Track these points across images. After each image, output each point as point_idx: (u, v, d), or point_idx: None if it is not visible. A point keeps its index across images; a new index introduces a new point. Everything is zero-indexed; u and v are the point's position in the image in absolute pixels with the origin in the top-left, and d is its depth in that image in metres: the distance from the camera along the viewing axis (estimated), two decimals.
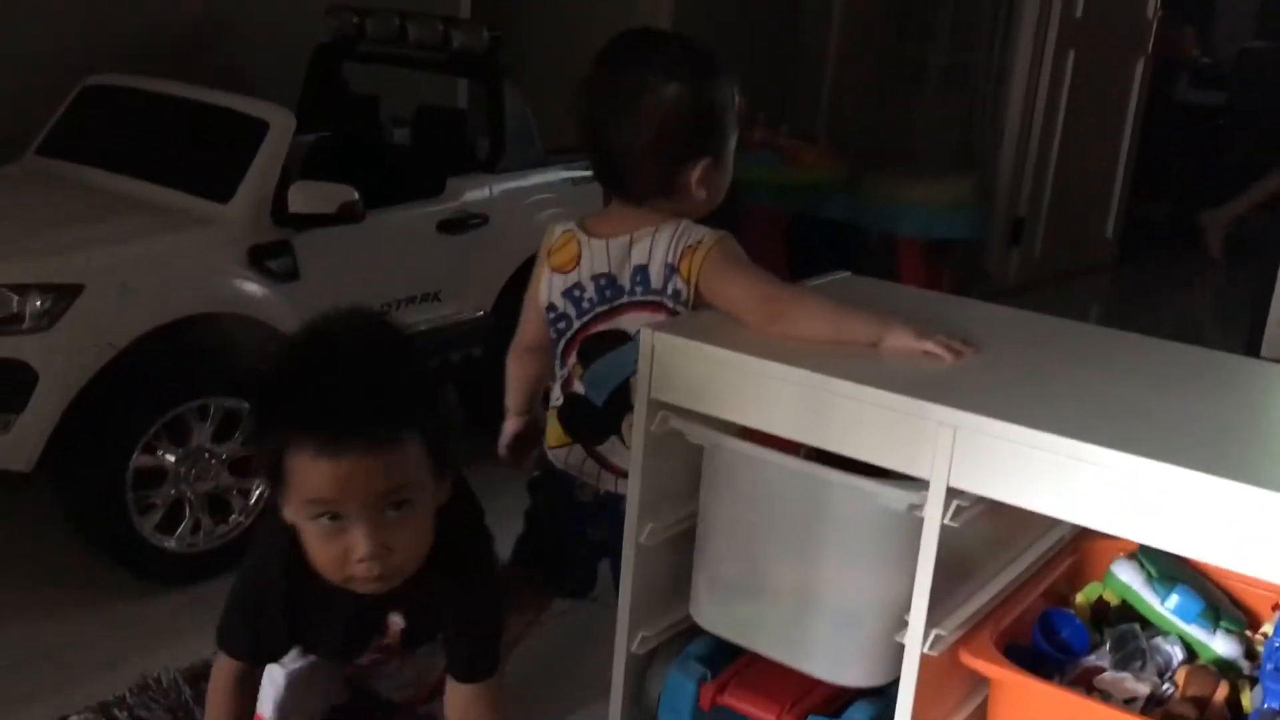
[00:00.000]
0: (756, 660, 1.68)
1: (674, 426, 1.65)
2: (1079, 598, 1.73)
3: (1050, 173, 5.26)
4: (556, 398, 1.79)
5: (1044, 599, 1.68)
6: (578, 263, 1.72)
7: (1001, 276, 5.30)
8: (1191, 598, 1.63)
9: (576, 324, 1.73)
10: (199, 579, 2.46)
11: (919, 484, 1.45)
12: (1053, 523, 1.71)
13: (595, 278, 1.70)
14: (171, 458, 2.39)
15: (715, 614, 1.71)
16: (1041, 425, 1.35)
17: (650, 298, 1.68)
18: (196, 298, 2.44)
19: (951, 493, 1.41)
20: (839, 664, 1.60)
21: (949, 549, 1.44)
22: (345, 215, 2.57)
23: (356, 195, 2.57)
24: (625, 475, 1.66)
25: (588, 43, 4.59)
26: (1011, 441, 1.36)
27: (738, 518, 1.67)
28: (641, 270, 1.68)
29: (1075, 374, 1.61)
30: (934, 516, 1.42)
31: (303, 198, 2.54)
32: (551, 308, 1.74)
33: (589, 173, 3.23)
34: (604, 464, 1.77)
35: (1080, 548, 1.78)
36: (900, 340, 1.56)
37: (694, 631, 1.75)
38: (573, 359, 1.75)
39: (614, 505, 1.71)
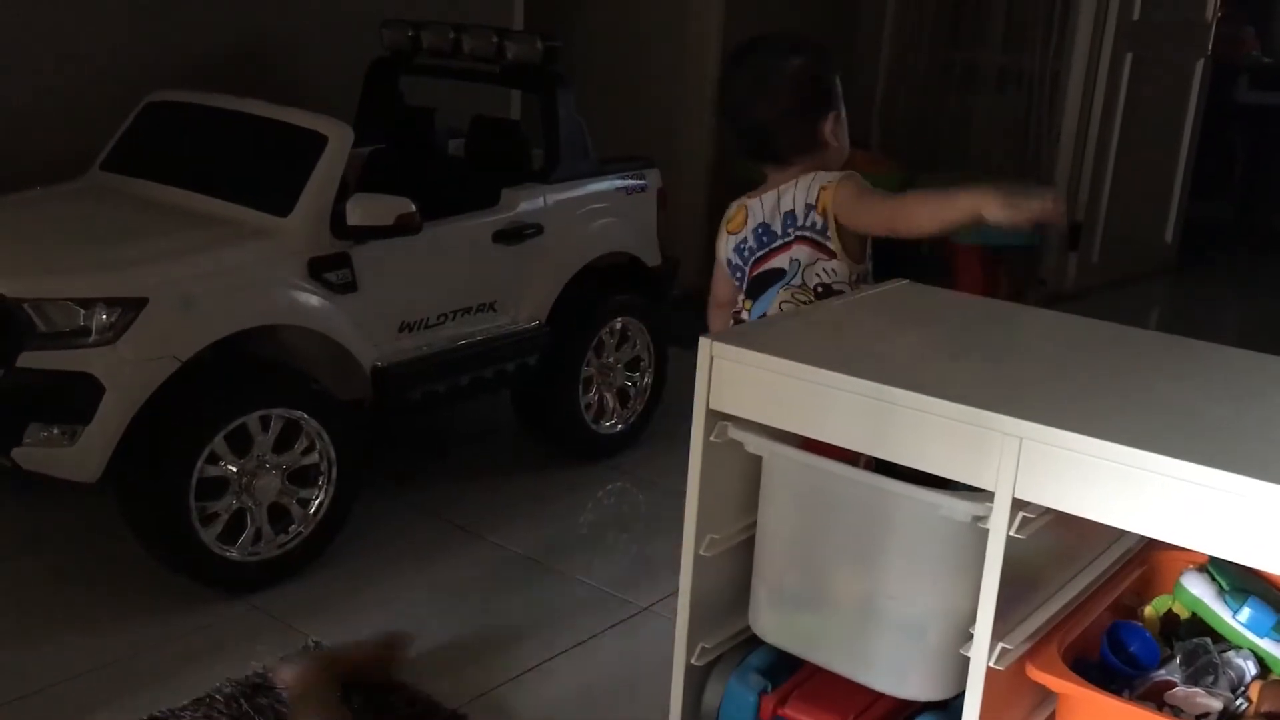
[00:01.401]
0: (817, 672, 1.67)
1: (733, 437, 1.64)
2: (1148, 610, 1.69)
3: (1108, 177, 5.18)
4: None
5: (1112, 612, 1.65)
6: (745, 223, 2.08)
7: (1059, 282, 5.23)
8: (1265, 611, 1.60)
9: (746, 270, 2.07)
10: (260, 588, 2.49)
11: (983, 495, 1.43)
12: (1120, 533, 1.69)
13: (755, 230, 2.06)
14: (234, 468, 2.42)
15: (775, 625, 1.70)
16: (1109, 435, 1.33)
17: (798, 234, 2.00)
18: (257, 310, 2.47)
19: (1017, 504, 1.39)
20: (902, 677, 1.58)
21: (1014, 561, 1.42)
22: (403, 227, 2.59)
23: (414, 207, 2.59)
24: None
25: (638, 55, 4.70)
26: (1078, 452, 1.34)
27: (798, 528, 1.66)
28: (789, 214, 2.01)
29: (1141, 382, 1.58)
30: (999, 528, 1.40)
31: (361, 210, 2.56)
32: (729, 263, 2.11)
33: (641, 181, 3.26)
34: None
35: (1149, 559, 1.75)
36: (994, 213, 1.74)
37: (753, 643, 1.74)
38: (743, 298, 2.09)
39: None
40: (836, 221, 1.97)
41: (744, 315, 2.08)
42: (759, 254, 2.04)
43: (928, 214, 1.88)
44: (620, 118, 4.53)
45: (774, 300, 2.01)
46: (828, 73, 2.07)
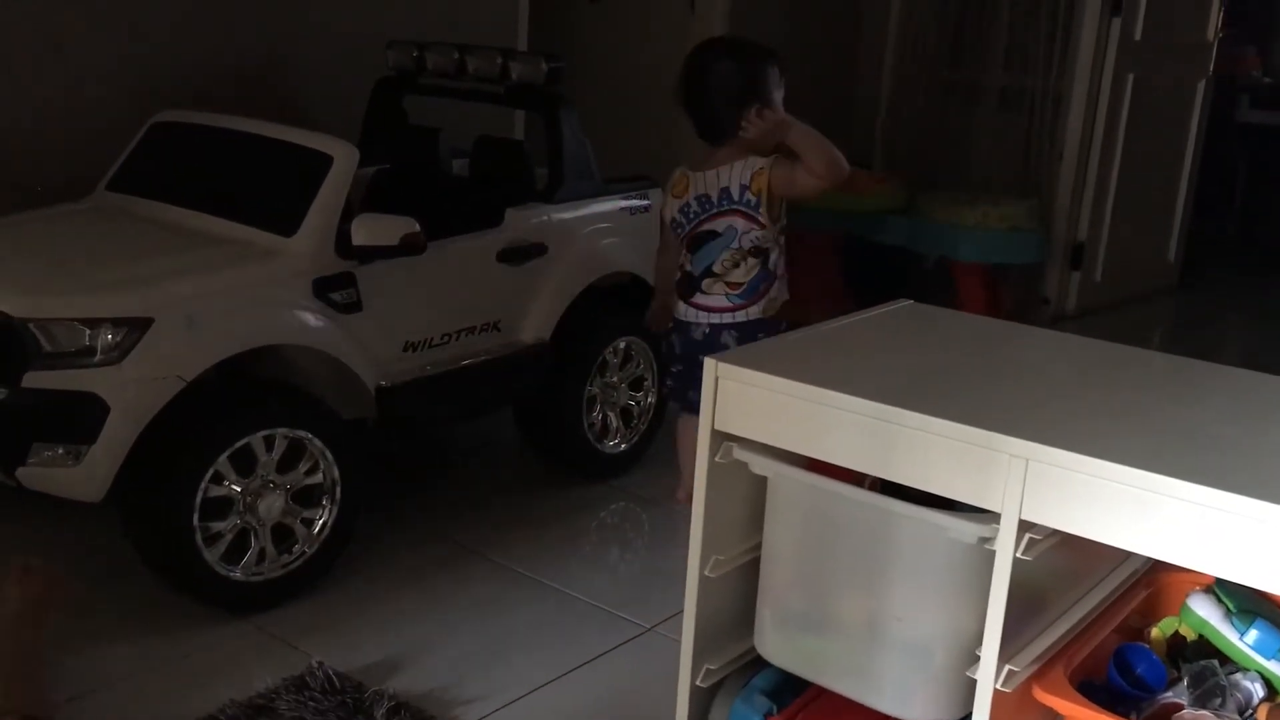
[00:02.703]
0: (823, 694, 1.67)
1: (738, 457, 1.64)
2: (1154, 632, 1.69)
3: (1110, 196, 5.19)
4: (677, 276, 2.79)
5: (1118, 634, 1.65)
6: (687, 190, 2.70)
7: (1061, 301, 5.24)
8: (1272, 633, 1.59)
9: (687, 228, 2.71)
10: (263, 608, 2.49)
11: (989, 516, 1.43)
12: (1125, 555, 1.69)
13: (696, 197, 2.68)
14: (238, 488, 2.42)
15: (780, 646, 1.70)
16: (1116, 457, 1.33)
17: (732, 207, 2.66)
18: (262, 330, 2.48)
19: (1024, 525, 1.39)
20: (908, 699, 1.58)
21: (1021, 583, 1.42)
22: (407, 247, 2.59)
23: (418, 227, 2.59)
24: (708, 310, 2.73)
25: (642, 76, 4.76)
26: (1085, 474, 1.34)
27: (803, 549, 1.66)
28: (725, 191, 2.66)
29: (1147, 403, 1.59)
30: (1006, 550, 1.40)
31: (366, 230, 2.56)
32: (674, 221, 2.75)
33: (645, 202, 3.29)
34: (699, 307, 2.75)
35: (1155, 580, 1.74)
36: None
37: (758, 664, 1.74)
38: (684, 250, 2.74)
39: (690, 329, 2.77)
40: (767, 196, 2.62)
41: (687, 266, 2.73)
42: (700, 217, 2.68)
43: (821, 150, 2.59)
44: (623, 138, 4.54)
45: (717, 257, 2.68)
46: (757, 72, 2.65)
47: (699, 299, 2.72)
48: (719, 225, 2.66)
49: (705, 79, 2.68)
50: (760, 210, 2.62)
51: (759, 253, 2.66)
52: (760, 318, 2.71)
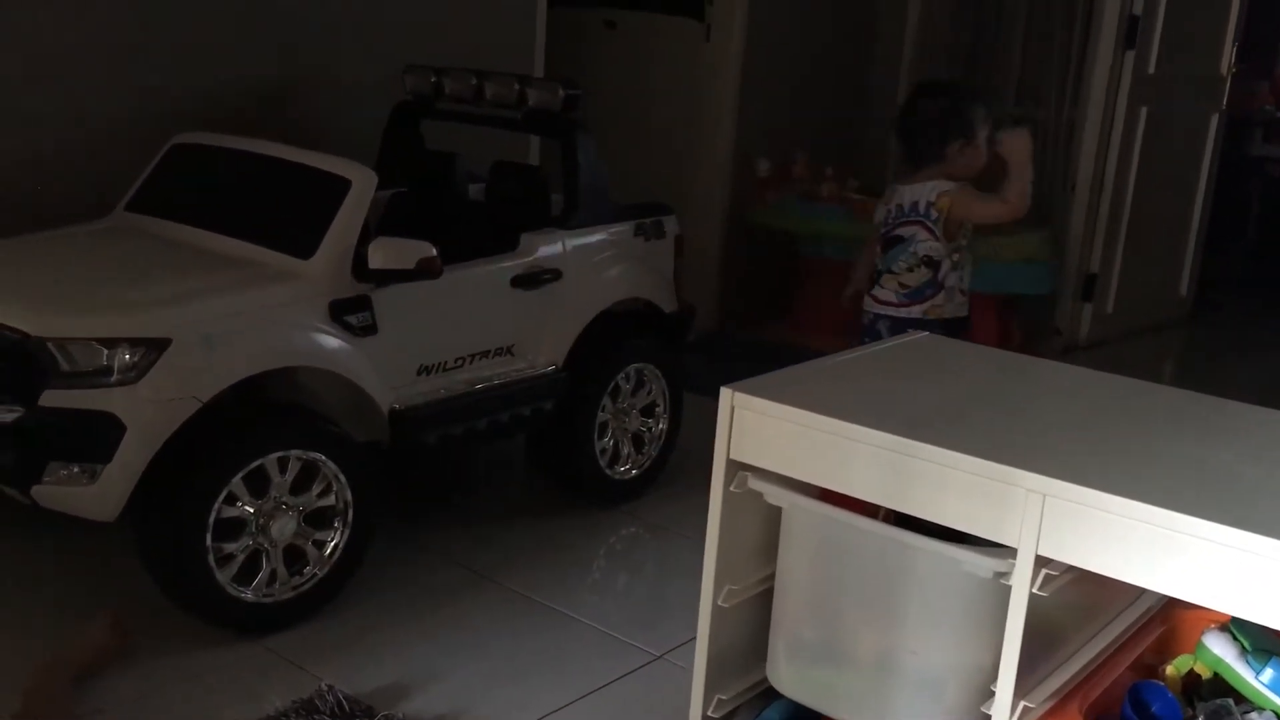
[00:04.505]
0: None
1: (753, 487, 1.64)
2: (1169, 670, 1.68)
3: (1123, 228, 5.19)
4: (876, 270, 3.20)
5: (1133, 671, 1.64)
6: (892, 199, 3.13)
7: (1073, 333, 5.23)
8: None
9: (883, 231, 3.14)
10: (274, 629, 2.49)
11: (1005, 551, 1.43)
12: (1141, 591, 1.68)
13: (896, 205, 3.10)
14: (251, 509, 2.43)
15: (793, 678, 1.69)
16: (1133, 494, 1.33)
17: (916, 218, 3.05)
18: (279, 352, 2.48)
19: (1040, 561, 1.39)
20: None
21: (1036, 618, 1.42)
22: (423, 271, 2.60)
23: (435, 251, 2.60)
24: (879, 302, 3.14)
25: (657, 103, 4.81)
26: (1103, 510, 1.34)
27: (817, 580, 1.66)
28: (915, 204, 3.06)
29: (1163, 439, 1.58)
30: (1022, 585, 1.40)
31: (382, 254, 2.58)
32: (879, 223, 3.17)
33: (659, 227, 3.30)
34: (873, 298, 3.17)
35: (1170, 618, 1.74)
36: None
37: (771, 695, 1.74)
38: (879, 249, 3.16)
39: (864, 315, 3.22)
40: (947, 218, 3.01)
41: (877, 263, 3.16)
42: (895, 222, 3.09)
43: (1017, 195, 3.00)
44: (638, 165, 4.56)
45: (897, 259, 3.07)
46: (964, 112, 3.08)
47: (876, 291, 3.16)
48: (905, 232, 3.07)
49: (914, 114, 3.14)
50: (938, 226, 3.00)
51: (931, 263, 3.04)
52: (918, 317, 3.06)
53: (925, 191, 3.03)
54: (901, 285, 3.08)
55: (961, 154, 3.06)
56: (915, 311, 3.06)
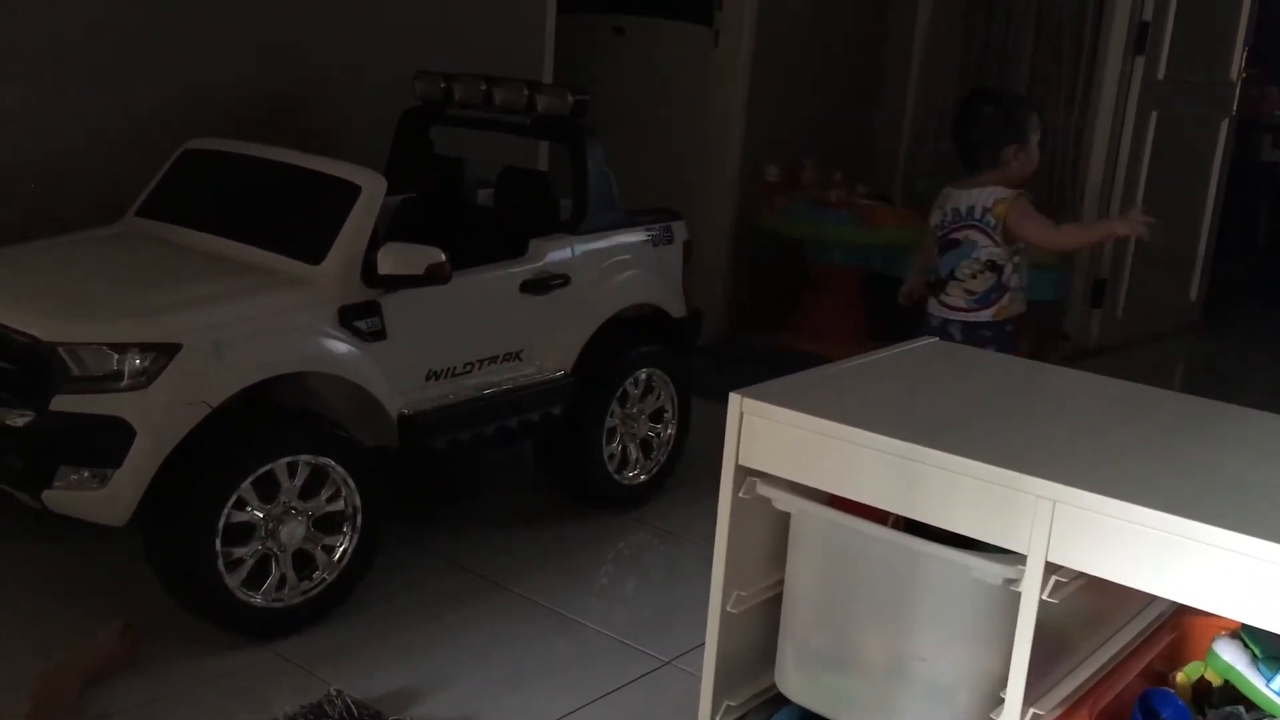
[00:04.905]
0: None
1: (761, 493, 1.64)
2: (1180, 677, 1.68)
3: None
4: (931, 277, 3.29)
5: (1143, 678, 1.63)
6: (946, 203, 3.19)
7: (1083, 338, 5.22)
8: None
9: (939, 234, 3.20)
10: (283, 634, 2.49)
11: (1014, 557, 1.43)
12: (1151, 598, 1.68)
13: (952, 209, 3.16)
14: (260, 514, 2.43)
15: (802, 684, 1.69)
16: (1144, 500, 1.33)
17: (973, 223, 3.10)
18: (288, 357, 2.49)
19: (1050, 568, 1.39)
20: None
21: (1046, 625, 1.42)
22: (433, 276, 2.60)
23: (444, 257, 2.61)
24: (949, 308, 3.19)
25: (665, 108, 4.82)
26: (1113, 517, 1.34)
27: (826, 586, 1.66)
28: (971, 209, 3.12)
29: (1173, 446, 1.58)
30: (1032, 592, 1.39)
31: (392, 259, 2.58)
32: (934, 227, 3.22)
33: (667, 233, 3.30)
34: (941, 304, 3.22)
35: (1180, 625, 1.73)
36: (1122, 230, 3.28)
37: (779, 702, 1.73)
38: (936, 253, 3.21)
39: (930, 319, 3.26)
40: (1004, 223, 3.07)
41: (935, 267, 3.21)
42: (949, 226, 3.15)
43: (1072, 240, 3.48)
44: (646, 170, 4.57)
45: (957, 263, 3.14)
46: (1018, 118, 3.17)
47: (943, 297, 3.22)
48: (961, 236, 3.14)
49: (969, 119, 3.22)
50: (996, 231, 3.08)
51: (994, 268, 3.10)
52: (989, 320, 3.14)
53: (982, 197, 3.09)
54: (968, 291, 3.14)
55: (1016, 158, 3.13)
56: (985, 315, 3.14)
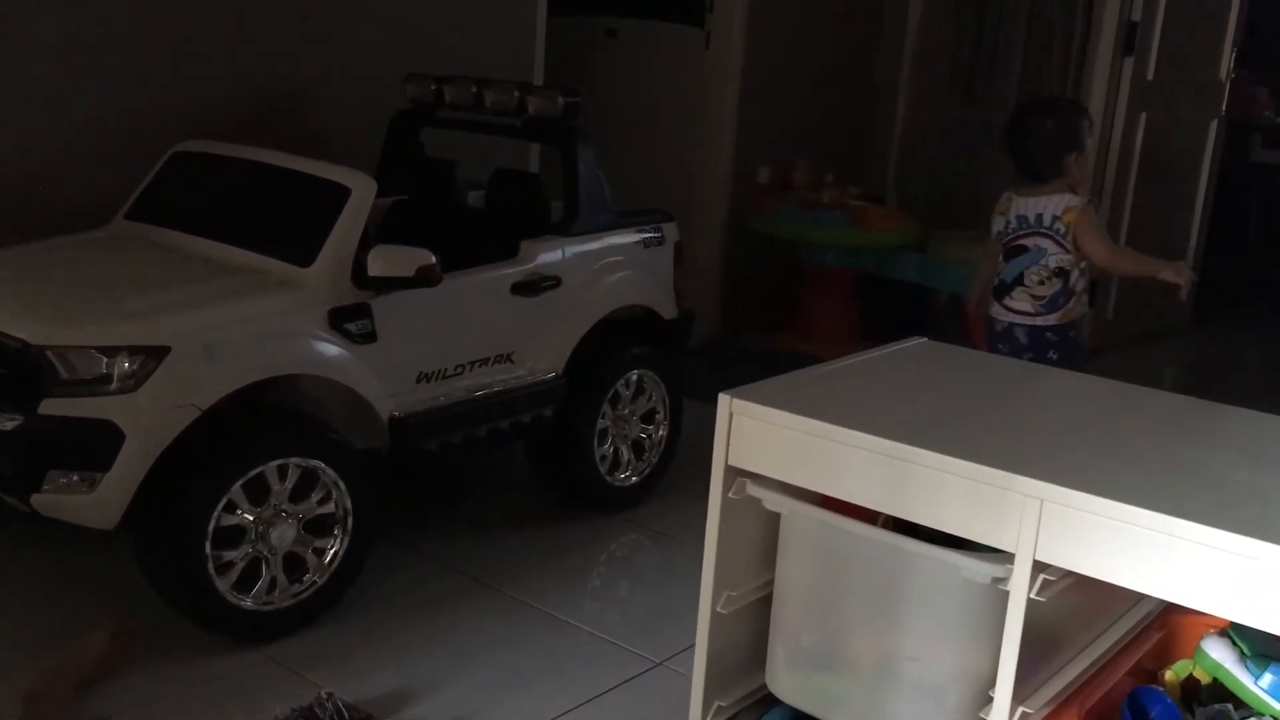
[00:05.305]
0: None
1: (751, 493, 1.64)
2: (1168, 675, 1.68)
3: (1123, 235, 5.19)
4: (994, 282, 3.28)
5: (1131, 676, 1.64)
6: (1010, 209, 3.20)
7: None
8: None
9: (1003, 241, 3.21)
10: (273, 637, 2.49)
11: (1003, 556, 1.43)
12: (1140, 597, 1.68)
13: (1017, 216, 3.18)
14: (250, 517, 2.43)
15: (792, 684, 1.69)
16: (1132, 499, 1.33)
17: (1044, 230, 3.13)
18: (279, 360, 2.49)
19: (1038, 566, 1.39)
20: None
21: (1035, 624, 1.42)
22: (423, 278, 2.60)
23: (434, 259, 2.60)
24: (1015, 313, 3.18)
25: (656, 110, 4.82)
26: (1101, 515, 1.34)
27: (816, 587, 1.66)
28: (1039, 216, 3.14)
29: (1162, 445, 1.58)
30: (1020, 591, 1.40)
31: (382, 262, 2.58)
32: (997, 234, 3.23)
33: (659, 235, 3.30)
34: (1008, 309, 3.21)
35: (1169, 623, 1.74)
36: (1166, 275, 3.11)
37: (770, 702, 1.74)
38: (1000, 259, 3.23)
39: (995, 324, 3.27)
40: (1073, 231, 3.09)
41: (999, 273, 3.22)
42: (1016, 233, 3.17)
43: (1124, 265, 3.42)
44: (638, 172, 4.57)
45: (1024, 269, 3.14)
46: (1075, 126, 3.22)
47: (1008, 302, 3.21)
48: (1028, 242, 3.16)
49: (1026, 133, 3.23)
50: (1066, 239, 3.10)
51: (1061, 274, 3.12)
52: (1055, 324, 3.15)
53: (1051, 205, 3.12)
54: (1035, 297, 3.15)
55: (1076, 163, 3.18)
56: (1051, 319, 3.15)
